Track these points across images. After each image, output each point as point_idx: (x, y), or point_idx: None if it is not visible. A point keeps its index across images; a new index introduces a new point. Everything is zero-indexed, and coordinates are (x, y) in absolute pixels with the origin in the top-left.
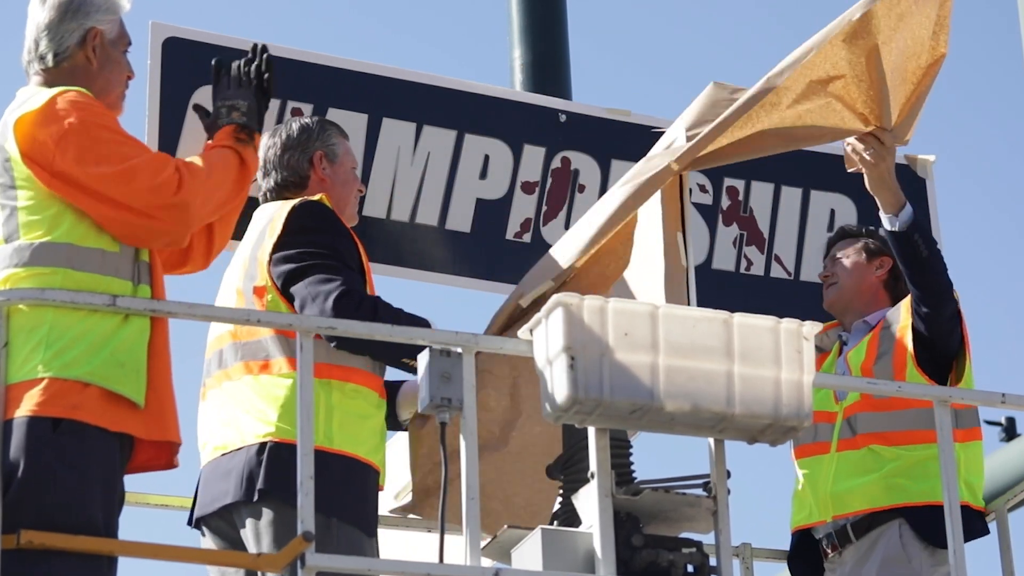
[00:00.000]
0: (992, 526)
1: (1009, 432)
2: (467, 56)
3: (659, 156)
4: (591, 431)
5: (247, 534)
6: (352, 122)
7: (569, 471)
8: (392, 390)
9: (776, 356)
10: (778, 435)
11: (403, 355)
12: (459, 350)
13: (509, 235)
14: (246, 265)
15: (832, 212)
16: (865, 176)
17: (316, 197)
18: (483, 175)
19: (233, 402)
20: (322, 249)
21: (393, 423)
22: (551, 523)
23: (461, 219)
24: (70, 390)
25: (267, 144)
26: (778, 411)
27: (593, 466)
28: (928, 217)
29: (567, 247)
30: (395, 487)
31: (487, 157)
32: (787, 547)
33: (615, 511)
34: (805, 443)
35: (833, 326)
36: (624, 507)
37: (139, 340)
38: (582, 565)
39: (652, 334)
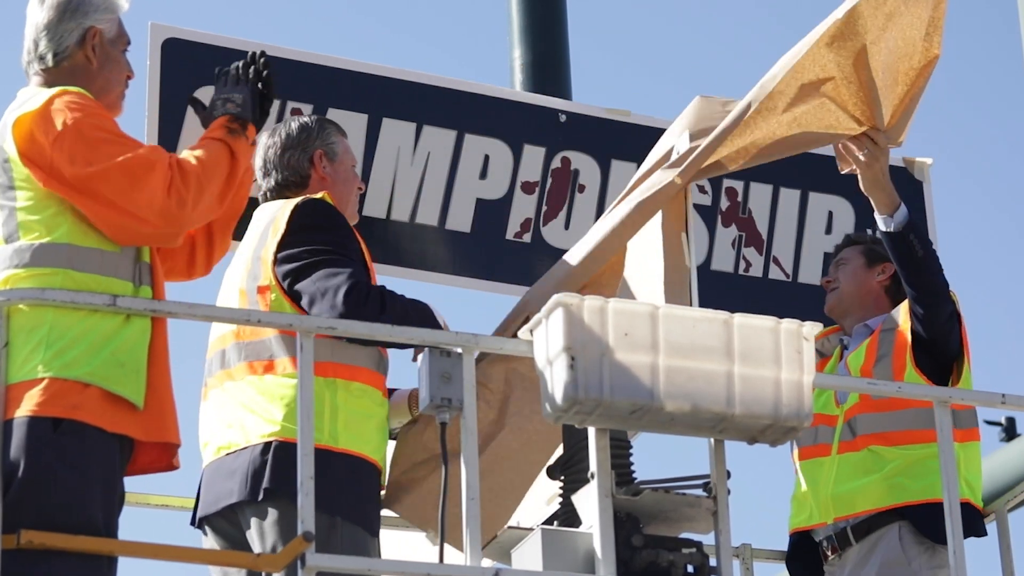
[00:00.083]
0: (992, 526)
1: (1009, 432)
2: (467, 56)
3: (661, 171)
4: (591, 431)
5: (251, 534)
6: (352, 122)
7: (569, 471)
8: None
9: (776, 356)
10: (778, 435)
11: (411, 345)
12: (459, 350)
13: (509, 235)
14: (249, 264)
15: (830, 214)
16: (859, 177)
17: (319, 195)
18: (483, 175)
19: (236, 402)
20: (327, 246)
21: None
22: (551, 523)
23: (461, 219)
24: (70, 390)
25: (267, 144)
26: (778, 411)
27: (593, 466)
28: (925, 219)
29: (572, 265)
30: None
31: (487, 157)
32: (787, 548)
33: (615, 511)
34: (806, 445)
35: (834, 331)
36: (624, 507)
37: (140, 341)
38: (582, 565)
39: (652, 334)
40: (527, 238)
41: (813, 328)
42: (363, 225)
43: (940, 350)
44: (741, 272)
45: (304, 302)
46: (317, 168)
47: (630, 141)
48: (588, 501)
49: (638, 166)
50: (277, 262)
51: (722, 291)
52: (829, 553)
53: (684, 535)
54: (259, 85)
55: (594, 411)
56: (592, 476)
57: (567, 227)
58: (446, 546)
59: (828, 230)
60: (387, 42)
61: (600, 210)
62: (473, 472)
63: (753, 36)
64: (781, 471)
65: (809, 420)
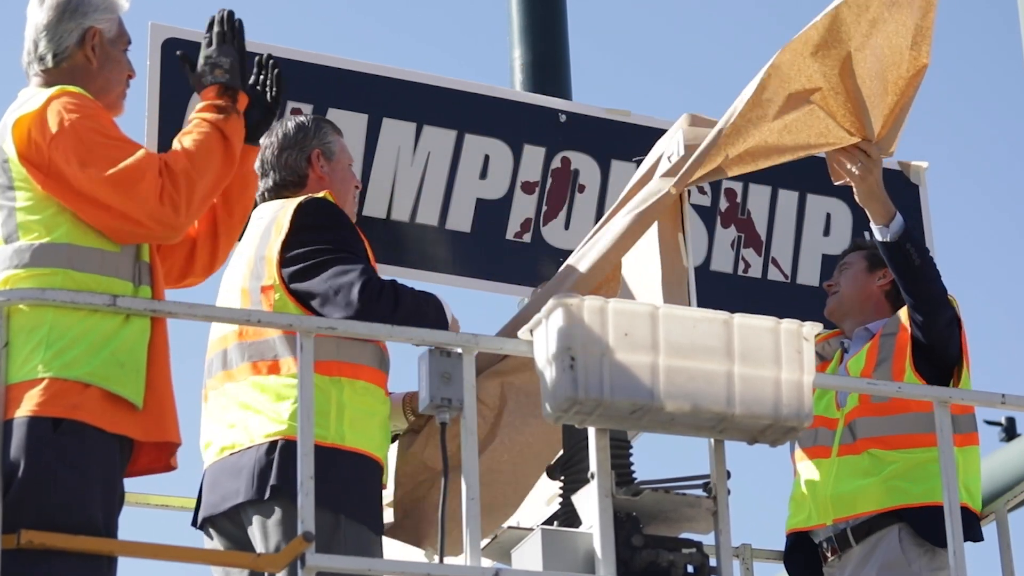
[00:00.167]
0: (992, 526)
1: (1009, 432)
2: (467, 56)
3: (656, 181)
4: (591, 431)
5: (254, 533)
6: (352, 122)
7: (569, 471)
8: None
9: (776, 356)
10: (778, 435)
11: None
12: (459, 350)
13: (509, 235)
14: (251, 264)
15: (828, 216)
16: (854, 189)
17: (320, 194)
18: (483, 175)
19: (237, 403)
20: (334, 244)
21: None
22: (551, 523)
23: (461, 219)
24: (70, 390)
25: (263, 145)
26: (778, 411)
27: (593, 466)
28: (921, 222)
29: (572, 279)
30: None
31: (487, 157)
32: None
33: (615, 511)
34: (805, 447)
35: (835, 334)
36: (624, 507)
37: (139, 341)
38: (582, 565)
39: (652, 334)
40: (527, 238)
41: (813, 328)
42: (363, 225)
43: (939, 355)
44: (740, 273)
45: (315, 301)
46: (315, 168)
47: (630, 141)
48: (588, 501)
49: (638, 166)
50: (282, 261)
51: (721, 292)
52: (829, 554)
53: (684, 535)
54: (270, 88)
55: (594, 411)
56: (592, 476)
57: (567, 227)
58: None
59: (826, 232)
60: (387, 42)
61: (600, 210)
62: (473, 472)
63: (753, 36)
64: (781, 471)
65: (809, 420)
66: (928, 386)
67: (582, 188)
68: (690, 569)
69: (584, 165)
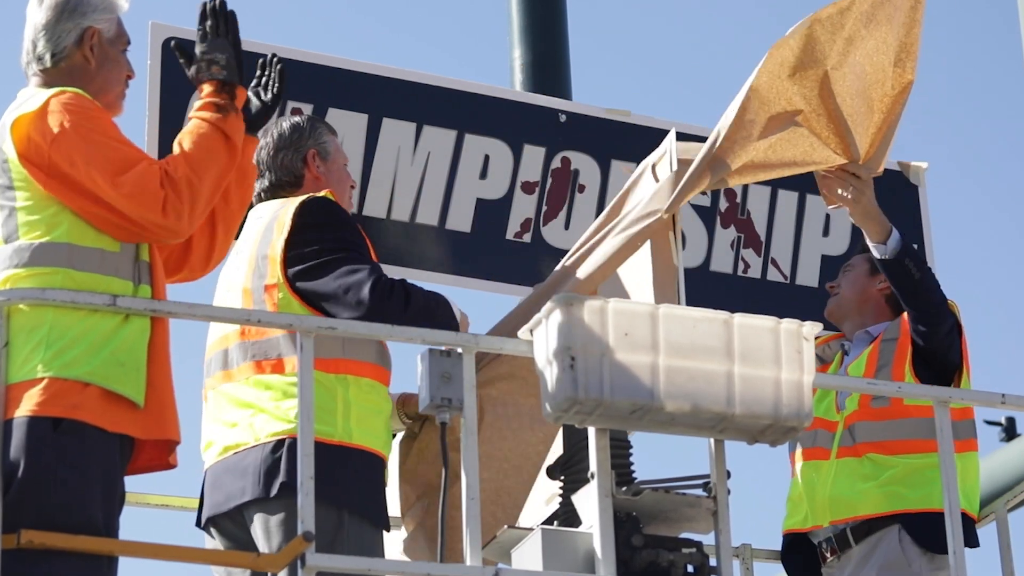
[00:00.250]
0: (992, 526)
1: (1009, 432)
2: (467, 56)
3: (648, 202)
4: (591, 431)
5: (257, 533)
6: (352, 122)
7: (569, 471)
8: None
9: (776, 356)
10: (778, 435)
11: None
12: (459, 350)
13: (509, 235)
14: (253, 264)
15: (827, 217)
16: (849, 212)
17: (322, 193)
18: (483, 175)
19: (239, 402)
20: (339, 243)
21: None
22: (551, 523)
23: (461, 219)
24: (70, 390)
25: (259, 145)
26: (778, 411)
27: (593, 466)
28: (920, 223)
29: (557, 291)
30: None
31: (487, 157)
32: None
33: (615, 511)
34: (804, 448)
35: (835, 337)
36: (624, 507)
37: (139, 340)
38: (582, 565)
39: (652, 334)
40: (527, 238)
41: (813, 328)
42: (363, 225)
43: (940, 362)
44: (740, 273)
45: (325, 300)
46: (311, 168)
47: (630, 141)
48: (588, 501)
49: (638, 166)
50: (288, 261)
51: (721, 292)
52: (828, 555)
53: (684, 535)
54: (273, 87)
55: (594, 411)
56: (592, 476)
57: (567, 227)
58: None
59: (826, 232)
60: (387, 42)
61: (600, 210)
62: (473, 472)
63: (753, 36)
64: (781, 471)
65: (809, 420)
66: (928, 386)
67: (582, 188)
68: (690, 569)
69: (584, 165)
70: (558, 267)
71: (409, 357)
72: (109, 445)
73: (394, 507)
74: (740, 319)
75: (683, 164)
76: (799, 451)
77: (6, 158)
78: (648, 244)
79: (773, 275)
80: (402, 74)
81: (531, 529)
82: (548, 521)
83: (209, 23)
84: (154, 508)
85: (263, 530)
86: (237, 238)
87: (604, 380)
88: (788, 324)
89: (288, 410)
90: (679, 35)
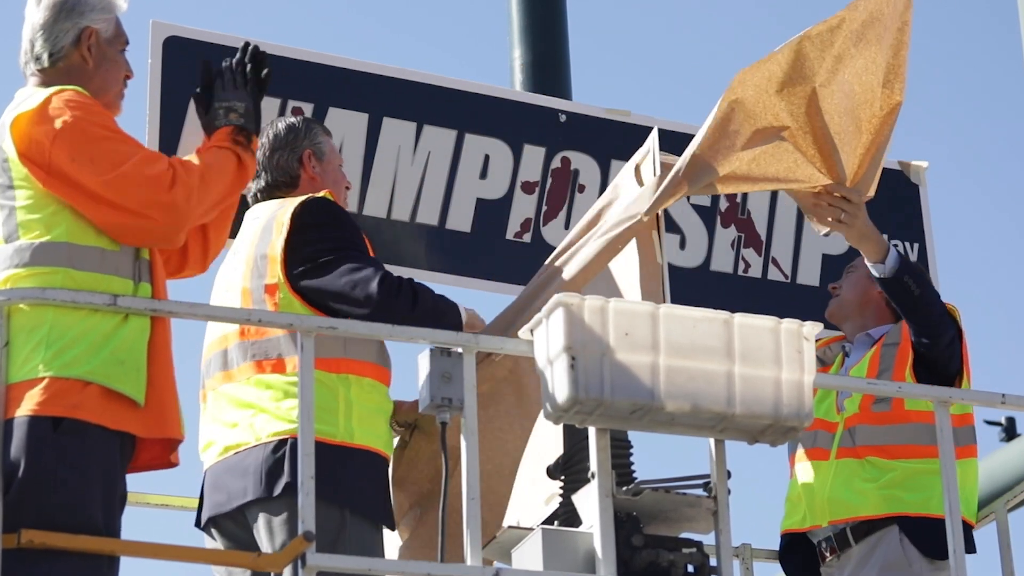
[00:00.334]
0: (992, 526)
1: (1009, 432)
2: (467, 56)
3: (628, 205)
4: (591, 431)
5: (260, 533)
6: (352, 122)
7: (569, 471)
8: None
9: (776, 356)
10: (778, 435)
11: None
12: (459, 350)
13: (509, 235)
14: (252, 264)
15: None
16: (844, 235)
17: (321, 193)
18: (483, 175)
19: (239, 402)
20: (341, 242)
21: None
22: (551, 523)
23: (461, 219)
24: (70, 389)
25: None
26: (778, 411)
27: (593, 466)
28: (921, 222)
29: (539, 295)
30: None
31: (487, 157)
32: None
33: (615, 511)
34: (804, 448)
35: (836, 339)
36: (624, 507)
37: (139, 339)
38: (582, 565)
39: (653, 334)
40: (527, 238)
41: (813, 328)
42: (363, 225)
43: (940, 369)
44: (740, 273)
45: (331, 298)
46: (306, 168)
47: (630, 141)
48: (588, 501)
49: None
50: (289, 261)
51: (721, 292)
52: (827, 554)
53: (684, 535)
54: (259, 80)
55: (594, 411)
56: (592, 476)
57: (567, 227)
58: None
59: (825, 232)
60: (387, 42)
61: None
62: (473, 472)
63: (753, 36)
64: (781, 471)
65: (809, 420)
66: (928, 386)
67: (582, 188)
68: (690, 569)
69: (584, 165)
70: (543, 268)
71: (409, 357)
72: (110, 444)
73: None
74: (740, 319)
75: (666, 168)
76: (799, 451)
77: (6, 157)
78: (635, 243)
79: (774, 274)
80: (402, 74)
81: (531, 529)
82: (548, 521)
83: (227, 76)
84: (154, 508)
85: (266, 530)
86: (233, 237)
87: (604, 380)
88: (788, 324)
89: (289, 410)
90: (679, 35)
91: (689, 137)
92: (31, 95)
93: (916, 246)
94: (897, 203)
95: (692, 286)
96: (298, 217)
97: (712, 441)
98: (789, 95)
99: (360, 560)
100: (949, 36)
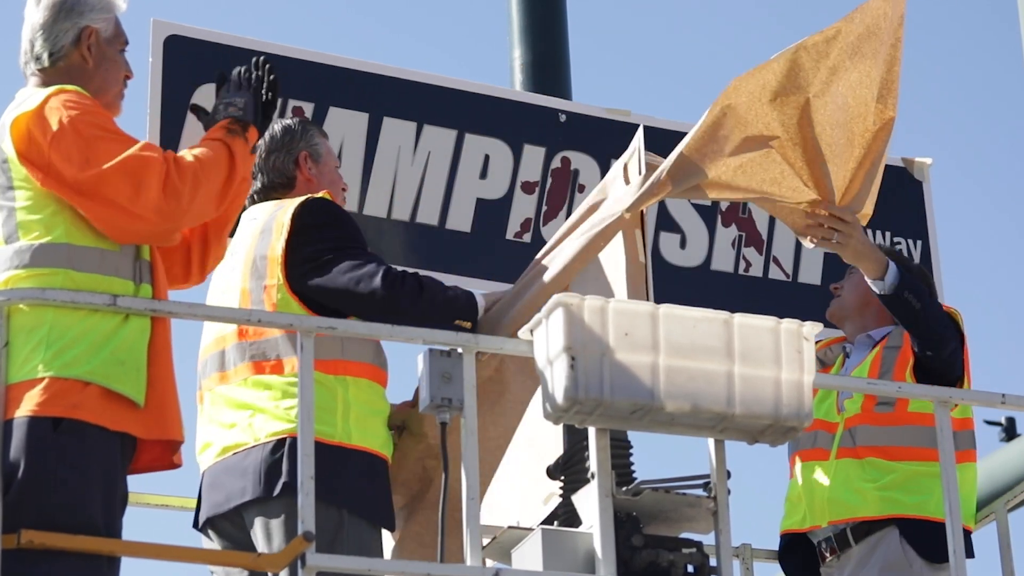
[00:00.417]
0: (992, 526)
1: (1009, 432)
2: (467, 56)
3: (610, 202)
4: (591, 431)
5: (256, 534)
6: (353, 121)
7: (569, 471)
8: None
9: (776, 356)
10: (778, 435)
11: (457, 316)
12: (459, 350)
13: (509, 235)
14: (250, 264)
15: None
16: (840, 255)
17: (320, 194)
18: (483, 175)
19: (236, 403)
20: (342, 241)
21: None
22: (551, 523)
23: (461, 219)
24: (70, 389)
25: None
26: (778, 411)
27: (593, 466)
28: (924, 219)
29: (524, 300)
30: None
31: (487, 157)
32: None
33: (615, 511)
34: (804, 448)
35: (836, 341)
36: (624, 507)
37: (139, 339)
38: (582, 565)
39: (652, 334)
40: (527, 238)
41: (813, 328)
42: (363, 225)
43: (941, 375)
44: (741, 272)
45: (335, 296)
46: (302, 170)
47: (630, 141)
48: (588, 501)
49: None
50: (290, 261)
51: (722, 291)
52: (827, 555)
53: (684, 535)
54: (263, 91)
55: (594, 411)
56: (592, 476)
57: None
58: None
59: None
60: (387, 42)
61: None
62: (473, 472)
63: (753, 36)
64: (781, 471)
65: (809, 420)
66: (928, 386)
67: (582, 188)
68: (690, 569)
69: (584, 165)
70: (530, 265)
71: (409, 357)
72: (110, 445)
73: None
74: (740, 319)
75: (651, 168)
76: (799, 452)
77: (6, 158)
78: (621, 242)
79: (775, 273)
80: (402, 74)
81: (531, 529)
82: (548, 521)
83: (232, 78)
84: (154, 508)
85: (263, 531)
86: (230, 238)
87: (604, 380)
88: (788, 324)
89: (287, 410)
90: (679, 35)
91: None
92: (31, 95)
93: (920, 243)
94: (901, 200)
95: (693, 285)
96: (298, 218)
97: (712, 441)
98: (782, 104)
99: (360, 560)
100: (949, 36)
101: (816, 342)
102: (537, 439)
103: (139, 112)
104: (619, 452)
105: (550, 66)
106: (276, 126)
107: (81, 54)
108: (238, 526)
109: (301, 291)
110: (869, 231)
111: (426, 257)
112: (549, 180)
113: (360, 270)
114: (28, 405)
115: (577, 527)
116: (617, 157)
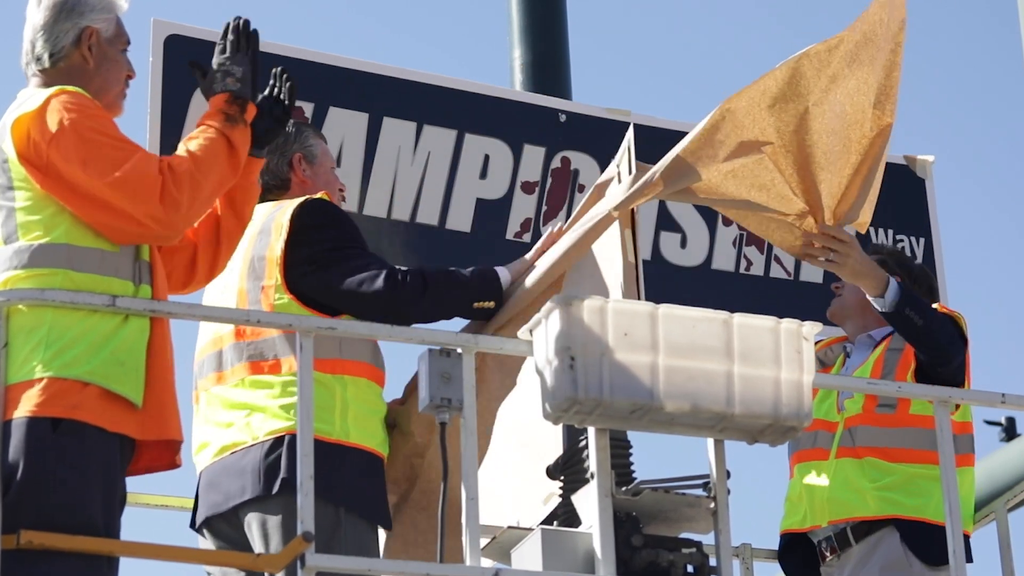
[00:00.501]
0: (992, 526)
1: (1009, 432)
2: (467, 56)
3: (600, 203)
4: (591, 431)
5: (253, 533)
6: (352, 122)
7: (569, 471)
8: None
9: (776, 356)
10: (778, 435)
11: (474, 300)
12: (459, 350)
13: (509, 235)
14: (248, 265)
15: None
16: (839, 275)
17: (319, 195)
18: (483, 175)
19: (233, 403)
20: (342, 241)
21: None
22: (551, 523)
23: (461, 219)
24: (70, 390)
25: None
26: (778, 411)
27: (593, 466)
28: (927, 217)
29: (514, 296)
30: None
31: (487, 157)
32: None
33: (615, 511)
34: (804, 448)
35: (837, 341)
36: (624, 507)
37: (139, 340)
38: (582, 565)
39: (652, 334)
40: (527, 238)
41: (813, 328)
42: (363, 225)
43: (945, 383)
44: (742, 271)
45: (338, 296)
46: (296, 171)
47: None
48: (588, 501)
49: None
50: (288, 262)
51: (723, 290)
52: (828, 554)
53: (684, 535)
54: (280, 96)
55: (594, 411)
56: (592, 476)
57: None
58: None
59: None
60: (387, 42)
61: None
62: (472, 472)
63: (753, 36)
64: (781, 471)
65: (809, 420)
66: (928, 386)
67: (582, 188)
68: (690, 569)
69: (584, 165)
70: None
71: (408, 357)
72: (109, 445)
73: None
74: (739, 319)
75: (641, 168)
76: (799, 452)
77: (6, 158)
78: (616, 242)
79: (776, 272)
80: (402, 74)
81: (531, 529)
82: (548, 521)
83: (231, 39)
84: (154, 508)
85: (260, 530)
86: None
87: (604, 380)
88: (788, 324)
89: (285, 408)
90: (679, 35)
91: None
92: (32, 96)
93: (922, 240)
94: (903, 197)
95: (694, 285)
96: (297, 218)
97: (711, 441)
98: (780, 111)
99: (359, 561)
100: (949, 36)
101: (816, 342)
102: (536, 439)
103: (139, 112)
104: (619, 452)
105: (550, 66)
106: None
107: (82, 54)
108: (234, 526)
109: (300, 291)
110: (872, 229)
111: (426, 257)
112: (549, 180)
113: (362, 271)
114: (27, 405)
115: (577, 527)
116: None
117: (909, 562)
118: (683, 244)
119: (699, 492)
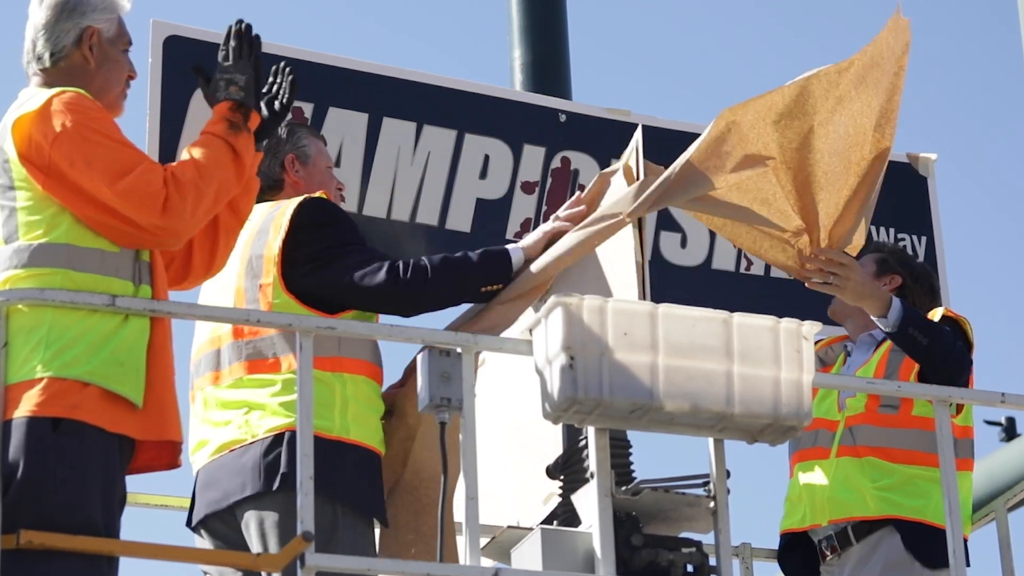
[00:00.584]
0: (992, 526)
1: (1009, 432)
2: (467, 56)
3: (612, 204)
4: (591, 431)
5: (250, 532)
6: (352, 122)
7: (569, 471)
8: None
9: (776, 356)
10: (778, 435)
11: (481, 284)
12: (459, 350)
13: (509, 235)
14: (246, 264)
15: None
16: (841, 296)
17: (318, 194)
18: (483, 175)
19: (231, 401)
20: (343, 238)
21: None
22: (551, 523)
23: (461, 219)
24: (69, 389)
25: None
26: (778, 411)
27: (593, 466)
28: (929, 215)
29: (515, 291)
30: None
31: (487, 157)
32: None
33: (615, 511)
34: (804, 447)
35: (836, 340)
36: (624, 507)
37: (139, 340)
38: (582, 565)
39: (652, 334)
40: None
41: (812, 327)
42: (363, 225)
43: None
44: (743, 271)
45: (340, 292)
46: (289, 173)
47: (630, 141)
48: (588, 501)
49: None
50: (287, 261)
51: (723, 290)
52: (828, 553)
53: (684, 535)
54: (281, 95)
55: (594, 411)
56: (591, 476)
57: None
58: None
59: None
60: (387, 42)
61: None
62: (472, 472)
63: (753, 37)
64: (781, 471)
65: (808, 419)
66: (927, 385)
67: (582, 188)
68: (690, 568)
69: (584, 165)
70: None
71: (408, 356)
72: (109, 445)
73: None
74: (739, 318)
75: (651, 171)
76: (800, 451)
77: (7, 158)
78: (620, 241)
79: (776, 272)
80: (402, 74)
81: (531, 529)
82: (548, 521)
83: (233, 44)
84: (154, 508)
85: (258, 529)
86: None
87: (603, 380)
88: (787, 323)
89: (284, 405)
90: (679, 35)
91: (687, 136)
92: (33, 96)
93: (924, 239)
94: (905, 196)
95: (694, 285)
96: (296, 217)
97: (711, 441)
98: (785, 128)
99: (359, 560)
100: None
101: (816, 341)
102: (536, 439)
103: (139, 112)
104: (618, 452)
105: (550, 66)
106: None
107: (83, 54)
108: (231, 525)
109: (298, 289)
110: (873, 226)
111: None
112: (549, 180)
113: (363, 267)
114: (27, 405)
115: (576, 527)
116: (617, 157)
117: (911, 562)
118: (683, 244)
119: (699, 492)
